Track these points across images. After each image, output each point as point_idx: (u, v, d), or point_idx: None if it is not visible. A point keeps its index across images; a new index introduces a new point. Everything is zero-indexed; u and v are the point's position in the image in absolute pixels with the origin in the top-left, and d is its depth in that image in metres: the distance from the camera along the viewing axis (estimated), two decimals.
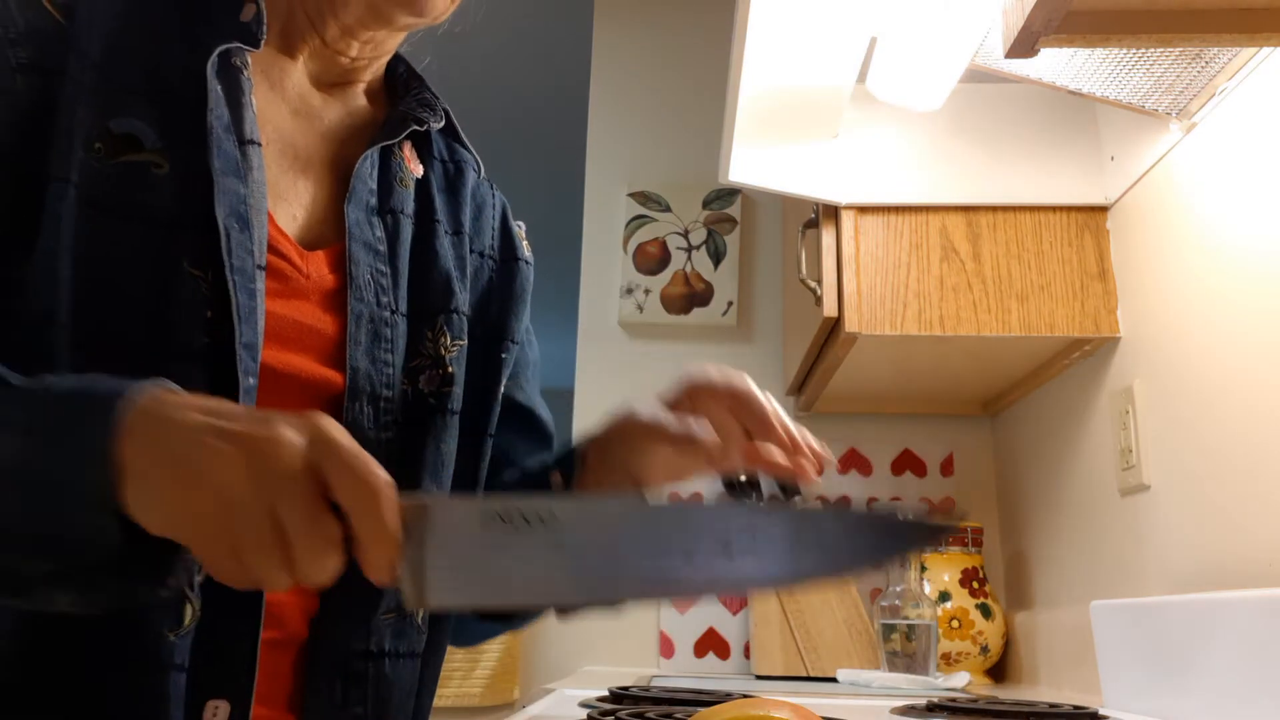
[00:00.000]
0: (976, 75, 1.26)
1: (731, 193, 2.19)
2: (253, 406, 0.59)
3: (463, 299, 0.79)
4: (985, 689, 1.64)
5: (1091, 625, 1.28)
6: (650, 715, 0.92)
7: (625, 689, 1.08)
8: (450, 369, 0.76)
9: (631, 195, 2.21)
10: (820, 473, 0.74)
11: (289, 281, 0.69)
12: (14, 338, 0.60)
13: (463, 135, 0.86)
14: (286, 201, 0.72)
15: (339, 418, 0.69)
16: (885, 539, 0.54)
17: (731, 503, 0.58)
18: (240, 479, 0.47)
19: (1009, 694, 1.53)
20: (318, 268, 0.71)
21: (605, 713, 0.94)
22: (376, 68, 0.83)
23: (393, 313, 0.74)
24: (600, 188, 2.26)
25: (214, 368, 0.62)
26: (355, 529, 0.48)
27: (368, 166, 0.76)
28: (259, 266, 0.66)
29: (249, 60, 0.71)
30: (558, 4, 2.72)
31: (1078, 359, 1.56)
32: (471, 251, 0.83)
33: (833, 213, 1.54)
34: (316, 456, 0.48)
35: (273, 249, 0.68)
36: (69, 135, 0.62)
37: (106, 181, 0.62)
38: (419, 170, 0.81)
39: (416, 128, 0.79)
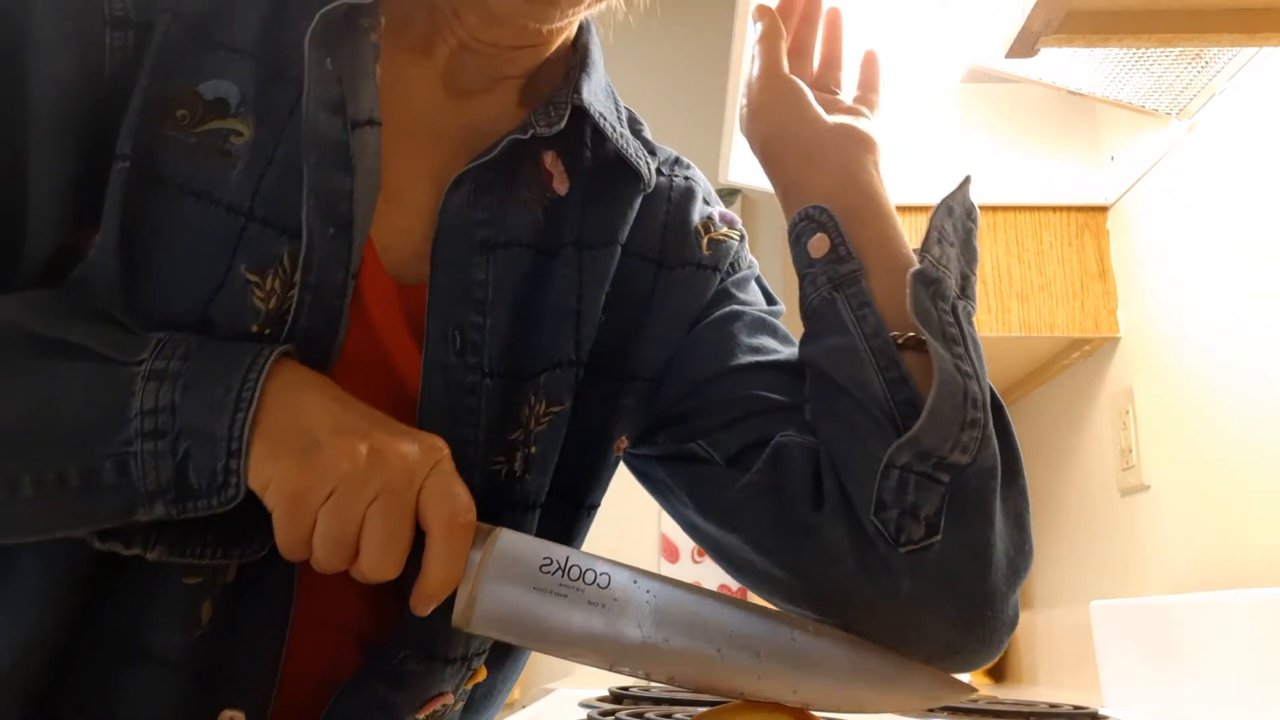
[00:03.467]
0: (976, 75, 1.27)
1: (731, 193, 2.19)
2: (376, 410, 0.53)
3: (579, 341, 0.64)
4: (985, 689, 1.64)
5: (1091, 625, 1.28)
6: (650, 715, 0.92)
7: (625, 689, 1.08)
8: (533, 449, 0.62)
9: None
10: None
11: (368, 318, 0.58)
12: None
13: (613, 137, 0.67)
14: (379, 228, 0.59)
15: None
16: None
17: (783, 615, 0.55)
18: (355, 476, 0.48)
19: (1009, 694, 1.53)
20: (400, 310, 0.60)
21: (605, 713, 0.94)
22: (534, 58, 0.67)
23: (482, 376, 0.60)
24: None
25: None
26: (428, 550, 0.50)
27: (465, 193, 0.60)
28: (351, 275, 0.55)
29: (380, 21, 0.58)
30: None
31: (1078, 359, 1.56)
32: (627, 254, 0.67)
33: None
34: (423, 475, 0.50)
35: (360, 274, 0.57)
36: (144, 107, 0.54)
37: (183, 153, 0.54)
38: (563, 187, 0.65)
39: (519, 136, 0.61)
